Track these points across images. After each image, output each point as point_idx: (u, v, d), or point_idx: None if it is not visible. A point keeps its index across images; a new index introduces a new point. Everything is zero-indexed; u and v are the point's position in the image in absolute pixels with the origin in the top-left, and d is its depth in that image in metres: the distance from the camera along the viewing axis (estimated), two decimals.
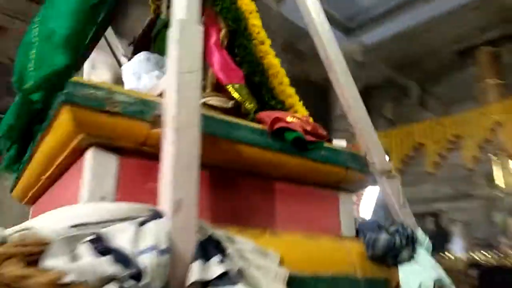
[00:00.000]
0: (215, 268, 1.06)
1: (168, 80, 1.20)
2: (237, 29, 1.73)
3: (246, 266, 1.17)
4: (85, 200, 1.13)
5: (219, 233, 1.18)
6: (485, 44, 7.97)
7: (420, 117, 9.22)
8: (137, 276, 0.90)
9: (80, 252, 0.92)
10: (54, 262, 0.85)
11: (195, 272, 1.03)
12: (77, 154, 1.22)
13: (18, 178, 1.93)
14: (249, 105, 1.63)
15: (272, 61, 1.81)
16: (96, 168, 1.15)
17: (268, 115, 1.50)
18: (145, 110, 1.17)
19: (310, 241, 1.47)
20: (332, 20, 7.37)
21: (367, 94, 8.47)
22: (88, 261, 0.88)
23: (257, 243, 1.27)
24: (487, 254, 6.22)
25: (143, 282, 0.89)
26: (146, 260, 0.93)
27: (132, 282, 0.88)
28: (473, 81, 8.11)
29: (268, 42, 1.80)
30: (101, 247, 0.94)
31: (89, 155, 1.15)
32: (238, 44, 1.74)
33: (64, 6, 1.22)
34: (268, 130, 1.44)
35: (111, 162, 1.17)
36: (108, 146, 1.17)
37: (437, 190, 8.61)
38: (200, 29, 1.25)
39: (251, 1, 1.81)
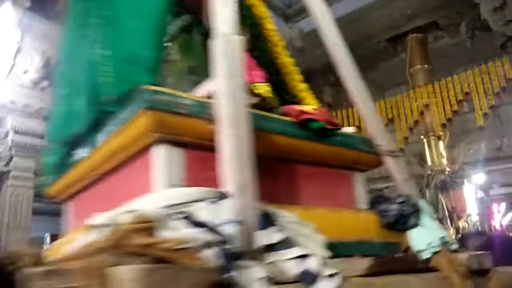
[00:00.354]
0: (275, 235, 1.31)
1: (218, 84, 1.43)
2: (255, 34, 1.96)
3: (293, 234, 1.42)
4: (159, 188, 1.35)
5: (269, 208, 1.43)
6: (413, 31, 8.29)
7: None
8: (225, 242, 1.14)
9: (177, 226, 1.15)
10: (164, 233, 1.08)
11: (261, 238, 1.28)
12: (144, 150, 1.44)
13: (56, 179, 2.13)
14: (273, 100, 1.88)
15: (286, 60, 2.06)
16: (167, 160, 1.38)
17: (292, 109, 1.75)
18: (204, 110, 1.40)
19: (335, 213, 1.74)
20: (271, 6, 7.54)
21: (307, 79, 8.63)
22: (190, 232, 1.11)
23: None
24: None
25: (231, 245, 1.14)
26: (228, 230, 1.17)
27: (224, 246, 1.12)
28: (404, 67, 8.50)
29: (281, 44, 2.05)
30: (192, 221, 1.18)
31: (161, 150, 1.38)
32: (256, 47, 1.97)
33: (149, 34, 1.42)
34: (295, 121, 1.69)
35: (178, 155, 1.40)
36: (175, 141, 1.39)
37: (372, 170, 8.91)
38: (240, 39, 1.48)
39: (265, 8, 2.05)
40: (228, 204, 1.28)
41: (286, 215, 1.48)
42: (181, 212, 1.21)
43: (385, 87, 9.32)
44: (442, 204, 7.02)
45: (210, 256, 1.07)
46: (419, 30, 8.32)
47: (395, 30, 8.33)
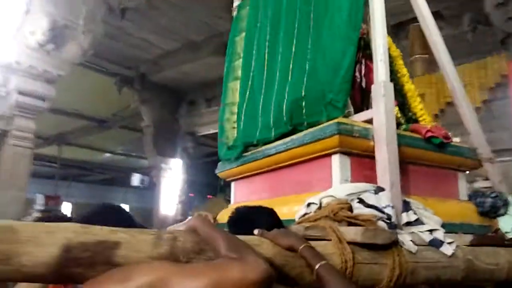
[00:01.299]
0: (412, 215, 2.07)
1: (377, 115, 2.19)
2: (391, 69, 2.67)
3: (421, 216, 2.17)
4: (338, 182, 2.16)
5: (405, 198, 2.19)
6: (415, 20, 8.06)
7: None
8: (389, 218, 1.92)
9: (358, 207, 1.95)
10: (354, 211, 1.89)
11: (405, 218, 2.05)
12: (326, 156, 2.25)
13: (233, 167, 3.01)
14: (400, 118, 2.61)
15: (410, 87, 2.76)
16: (341, 164, 2.18)
17: (420, 127, 2.47)
18: (367, 133, 2.17)
19: (445, 203, 2.46)
20: None
21: None
22: (368, 211, 1.91)
23: None
24: None
25: (393, 221, 1.92)
26: (390, 211, 1.95)
27: (390, 221, 1.90)
28: (405, 55, 8.27)
29: (407, 74, 2.75)
30: (365, 204, 1.97)
31: (338, 158, 2.18)
32: (390, 79, 2.69)
33: (341, 84, 2.24)
34: (423, 137, 2.41)
35: (347, 161, 2.20)
36: (346, 152, 2.19)
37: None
38: (392, 85, 2.22)
39: (396, 48, 2.75)
40: (384, 194, 2.05)
41: (415, 202, 2.23)
42: (357, 198, 2.01)
43: None
44: None
45: (383, 226, 1.86)
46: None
47: (399, 17, 8.27)
